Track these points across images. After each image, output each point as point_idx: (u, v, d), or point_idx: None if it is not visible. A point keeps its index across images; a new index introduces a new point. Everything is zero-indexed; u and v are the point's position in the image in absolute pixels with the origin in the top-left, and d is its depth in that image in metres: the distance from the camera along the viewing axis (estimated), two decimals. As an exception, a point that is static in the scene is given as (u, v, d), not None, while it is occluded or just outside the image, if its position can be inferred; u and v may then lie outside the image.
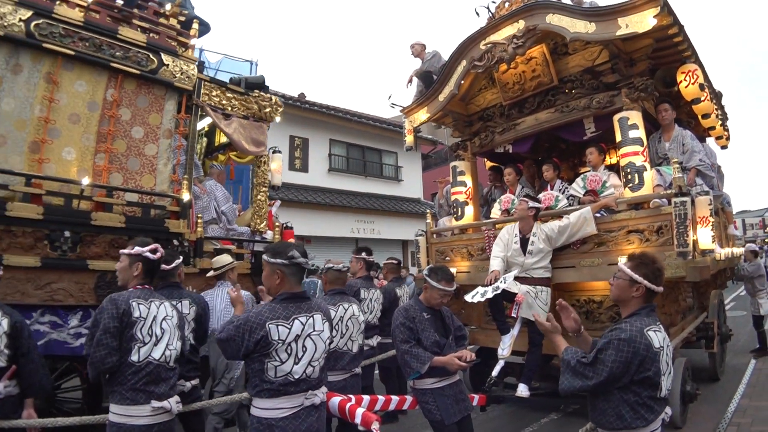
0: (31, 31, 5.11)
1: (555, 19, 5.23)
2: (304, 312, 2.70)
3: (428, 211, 7.42)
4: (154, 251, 3.10)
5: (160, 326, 2.94)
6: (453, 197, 6.92)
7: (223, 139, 7.60)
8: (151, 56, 5.89)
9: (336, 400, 3.17)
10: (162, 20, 6.18)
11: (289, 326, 2.60)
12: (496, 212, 6.34)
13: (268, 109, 7.22)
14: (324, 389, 2.80)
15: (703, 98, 5.66)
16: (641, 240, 4.73)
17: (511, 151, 6.78)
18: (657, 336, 2.36)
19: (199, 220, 6.00)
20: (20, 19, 5.06)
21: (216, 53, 16.72)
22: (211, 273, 5.15)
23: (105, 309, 2.81)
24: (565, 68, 5.89)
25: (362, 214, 18.42)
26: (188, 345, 3.61)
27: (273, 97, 7.37)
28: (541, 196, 5.79)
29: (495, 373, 4.92)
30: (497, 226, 5.85)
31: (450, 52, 6.39)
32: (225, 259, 5.05)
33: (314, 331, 2.70)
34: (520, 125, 6.30)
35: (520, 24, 5.51)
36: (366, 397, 3.52)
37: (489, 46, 5.79)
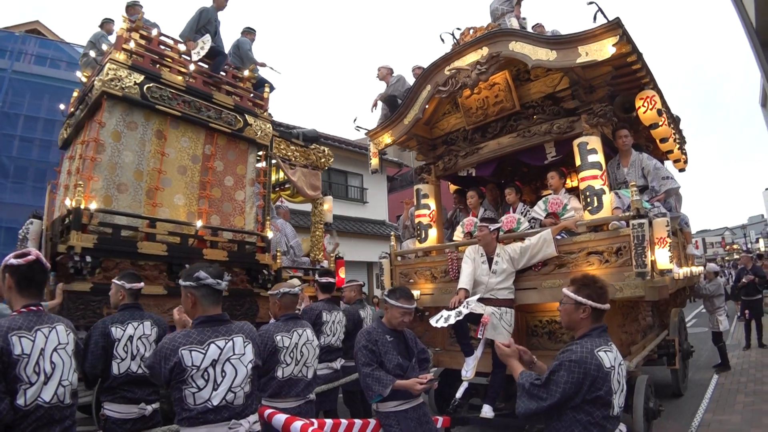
0: (144, 93, 6.14)
1: (517, 47, 5.34)
2: (222, 335, 2.56)
3: (392, 233, 7.45)
4: (20, 256, 2.50)
5: (50, 360, 2.43)
6: (417, 220, 6.97)
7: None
8: (238, 117, 7.18)
9: (298, 424, 3.12)
10: (240, 84, 7.50)
11: (203, 351, 2.46)
12: (458, 235, 6.38)
13: (322, 159, 8.89)
14: (252, 418, 2.63)
15: (661, 123, 5.83)
16: (601, 261, 4.82)
17: (474, 174, 6.88)
18: (608, 356, 2.39)
19: (278, 253, 7.29)
20: (135, 83, 6.06)
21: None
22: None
23: None
24: (527, 94, 6.02)
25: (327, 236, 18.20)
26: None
27: (325, 149, 9.06)
28: (503, 218, 5.87)
29: (459, 394, 4.91)
30: (460, 249, 5.91)
31: (415, 78, 6.46)
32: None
33: (234, 354, 2.56)
34: (483, 149, 6.41)
35: (484, 51, 5.61)
36: (329, 421, 3.49)
37: (453, 71, 5.89)
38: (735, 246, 45.48)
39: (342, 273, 8.72)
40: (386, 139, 6.88)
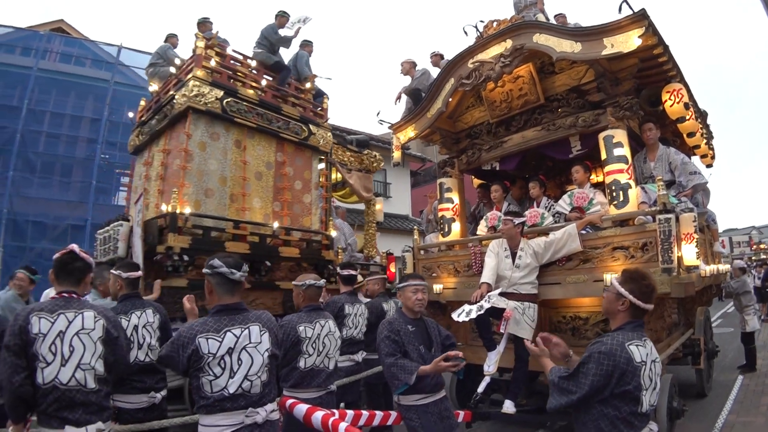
0: (224, 107, 6.90)
1: (542, 39, 5.30)
2: (239, 324, 2.59)
3: (415, 227, 7.46)
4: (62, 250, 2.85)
5: (69, 343, 2.57)
6: (440, 214, 6.96)
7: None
8: (303, 127, 8.01)
9: (319, 414, 3.13)
10: (302, 95, 8.26)
11: (219, 339, 2.50)
12: (482, 229, 6.35)
13: (374, 164, 9.89)
14: (270, 407, 2.64)
15: (688, 117, 5.73)
16: (626, 256, 4.75)
17: (497, 168, 6.83)
18: (639, 351, 2.35)
19: (339, 250, 8.20)
20: (216, 98, 6.81)
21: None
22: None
23: (9, 325, 2.61)
24: (552, 87, 5.97)
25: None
26: (157, 354, 3.52)
27: (376, 154, 10.03)
28: (527, 213, 5.82)
29: (481, 389, 4.88)
30: (483, 243, 5.87)
31: (432, 64, 6.44)
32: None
33: (250, 343, 2.58)
34: (507, 143, 6.37)
35: (508, 43, 5.58)
36: (350, 412, 3.50)
37: (477, 64, 5.86)
38: (762, 246, 44.62)
39: (392, 268, 9.44)
40: (410, 132, 6.88)
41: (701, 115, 7.02)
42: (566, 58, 5.32)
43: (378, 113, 7.81)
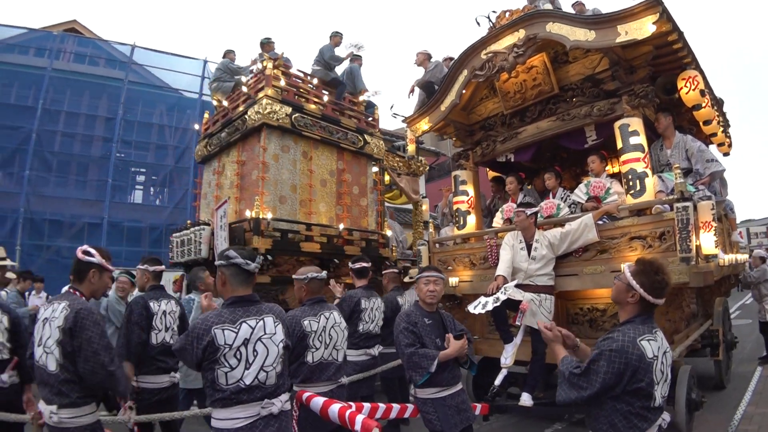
0: (293, 122, 7.77)
1: (555, 28, 5.27)
2: (254, 315, 2.61)
3: (430, 221, 7.49)
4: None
5: (41, 330, 2.84)
6: (455, 206, 6.96)
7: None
8: (359, 137, 8.85)
9: (336, 407, 3.14)
10: (356, 108, 9.03)
11: (236, 330, 2.50)
12: (498, 222, 6.35)
13: (421, 168, 10.58)
14: (284, 397, 2.66)
15: (704, 105, 5.67)
16: (644, 246, 4.71)
17: (512, 160, 6.82)
18: (651, 345, 2.30)
19: (393, 248, 9.05)
20: (285, 114, 7.67)
21: (167, 54, 17.11)
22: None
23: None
24: (566, 76, 5.93)
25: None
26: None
27: (422, 159, 10.72)
28: (542, 204, 5.81)
29: (498, 382, 4.88)
30: (499, 235, 5.85)
31: (452, 64, 6.42)
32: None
33: (265, 334, 2.59)
34: (522, 134, 6.34)
35: (521, 33, 5.56)
36: (366, 405, 3.50)
37: (490, 55, 5.84)
38: (781, 236, 44.02)
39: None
40: (423, 125, 6.89)
41: (717, 103, 6.93)
42: (580, 47, 5.28)
43: (392, 107, 7.89)
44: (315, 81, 8.74)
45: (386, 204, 10.74)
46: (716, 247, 4.66)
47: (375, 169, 9.28)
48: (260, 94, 7.67)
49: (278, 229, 7.13)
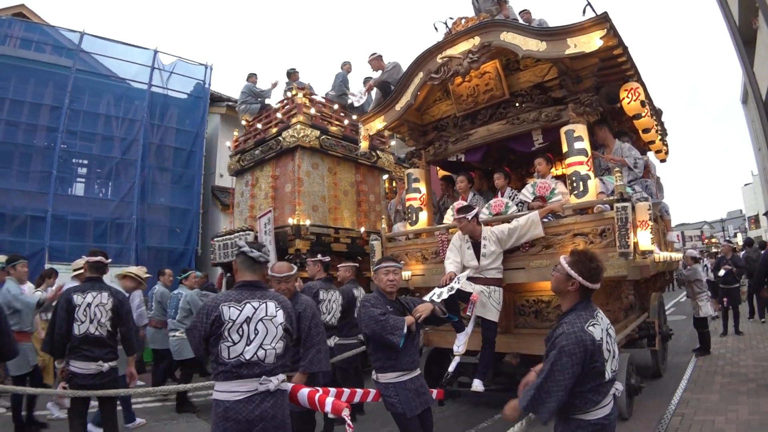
0: (321, 143, 9.63)
1: (509, 37, 5.47)
2: (258, 298, 2.95)
3: (383, 216, 7.66)
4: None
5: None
6: (408, 203, 7.10)
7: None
8: (373, 153, 10.71)
9: (305, 391, 3.27)
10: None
11: (240, 308, 2.84)
12: (448, 218, 6.53)
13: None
14: (281, 377, 2.95)
15: (644, 114, 6.00)
16: (586, 242, 4.99)
17: (463, 160, 7.04)
18: (596, 329, 2.48)
19: None
20: (315, 137, 9.55)
21: (170, 55, 16.67)
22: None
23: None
24: (517, 83, 6.16)
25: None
26: (106, 331, 4.40)
27: (377, 153, 11.79)
28: (491, 202, 6.06)
29: (451, 368, 5.06)
30: (450, 230, 6.05)
31: (408, 65, 6.57)
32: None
33: (266, 315, 2.92)
34: (473, 135, 6.55)
35: (476, 40, 5.74)
36: (332, 390, 3.62)
37: (445, 59, 6.00)
38: (714, 240, 46.12)
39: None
40: (378, 124, 6.98)
41: (656, 113, 7.35)
42: (531, 56, 5.48)
43: (350, 104, 7.94)
44: (335, 107, 10.48)
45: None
46: (652, 244, 5.01)
47: (385, 176, 11.34)
48: (293, 120, 9.50)
49: (314, 233, 8.94)
